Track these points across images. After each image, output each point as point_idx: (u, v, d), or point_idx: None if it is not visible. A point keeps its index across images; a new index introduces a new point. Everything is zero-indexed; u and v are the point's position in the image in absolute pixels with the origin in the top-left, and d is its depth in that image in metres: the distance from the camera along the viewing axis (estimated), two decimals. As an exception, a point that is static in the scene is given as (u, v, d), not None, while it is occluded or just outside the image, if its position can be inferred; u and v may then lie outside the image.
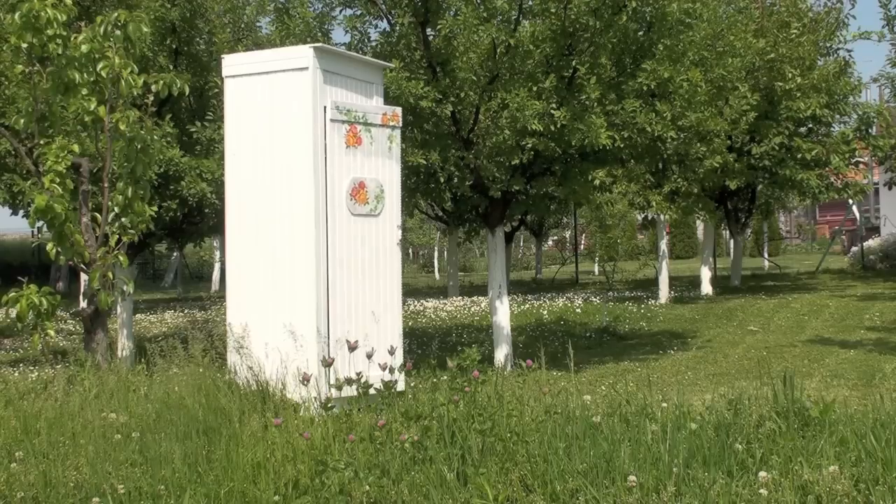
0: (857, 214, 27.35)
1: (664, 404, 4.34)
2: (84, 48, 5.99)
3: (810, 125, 16.41)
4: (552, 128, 8.21)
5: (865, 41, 21.77)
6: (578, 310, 14.82)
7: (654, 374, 8.15)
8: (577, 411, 4.31)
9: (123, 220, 6.30)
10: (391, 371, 4.90)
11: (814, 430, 3.85)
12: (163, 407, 4.80)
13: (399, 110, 6.33)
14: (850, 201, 23.36)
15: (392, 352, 5.38)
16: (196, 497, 3.68)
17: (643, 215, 18.67)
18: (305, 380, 4.78)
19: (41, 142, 6.19)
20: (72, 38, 6.05)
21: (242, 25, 11.35)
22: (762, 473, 3.40)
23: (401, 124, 6.28)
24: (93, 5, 9.18)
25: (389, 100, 7.65)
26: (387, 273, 6.20)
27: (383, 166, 6.17)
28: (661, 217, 16.61)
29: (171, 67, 9.93)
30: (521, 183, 8.85)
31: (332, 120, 5.87)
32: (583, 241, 26.29)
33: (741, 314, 13.71)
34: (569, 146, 8.51)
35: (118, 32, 6.13)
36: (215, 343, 6.04)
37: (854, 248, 23.36)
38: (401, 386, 4.99)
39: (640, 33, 8.66)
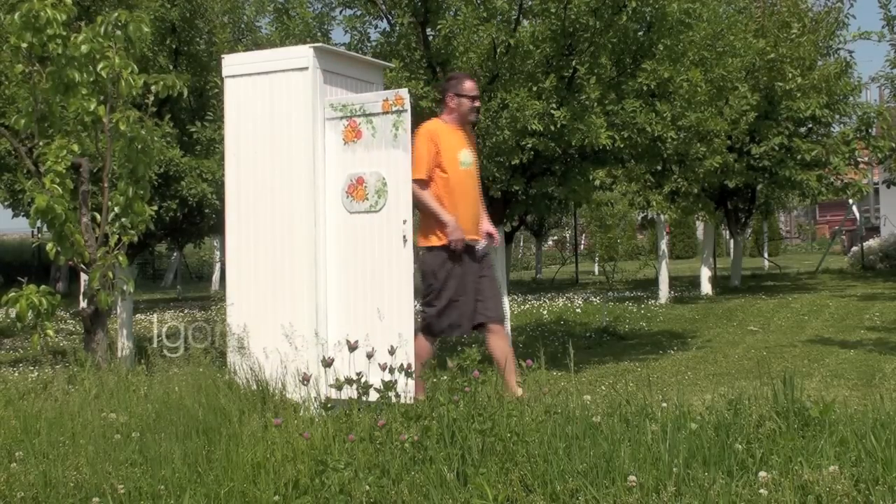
0: (857, 214, 27.37)
1: (664, 404, 4.33)
2: (84, 48, 5.99)
3: (810, 125, 16.42)
4: (552, 128, 8.21)
5: (865, 41, 21.77)
6: (578, 310, 14.83)
7: (654, 374, 8.16)
8: (577, 411, 4.30)
9: (123, 220, 6.30)
10: (391, 372, 4.86)
11: (814, 430, 3.85)
12: (163, 407, 4.80)
13: (403, 92, 5.78)
14: (850, 201, 23.38)
15: (392, 351, 5.28)
16: (196, 497, 3.68)
17: (643, 215, 18.70)
18: (305, 380, 4.78)
19: (41, 142, 6.19)
20: (72, 38, 6.05)
21: (242, 25, 11.37)
22: (762, 473, 3.40)
23: (408, 107, 5.69)
24: (93, 5, 9.19)
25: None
26: (392, 271, 5.76)
27: (386, 157, 5.73)
28: (661, 217, 16.63)
29: (171, 67, 9.95)
30: (521, 183, 8.86)
31: (327, 118, 5.86)
32: (583, 241, 26.30)
33: (741, 314, 13.71)
34: (569, 146, 8.52)
35: (118, 32, 6.13)
36: (215, 343, 6.04)
37: (854, 248, 23.37)
38: (410, 393, 4.90)
39: (640, 33, 8.67)
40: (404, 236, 5.67)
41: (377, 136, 5.78)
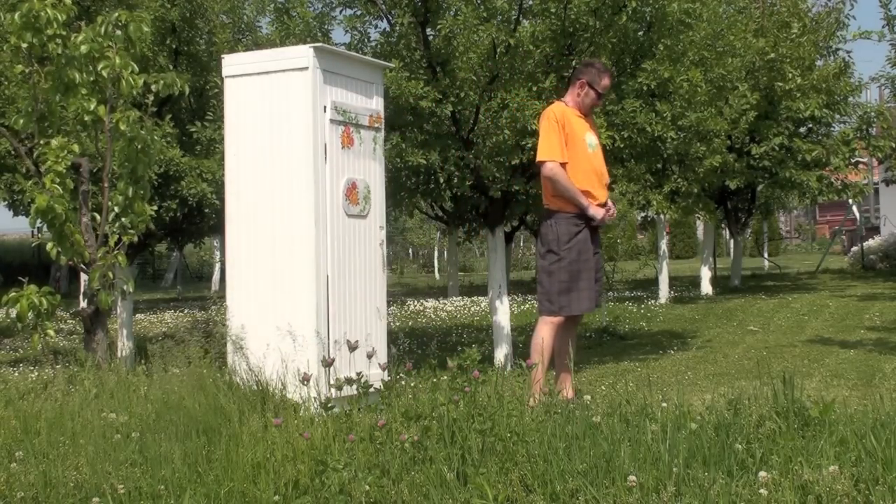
0: (857, 214, 27.36)
1: (664, 404, 4.34)
2: (84, 48, 5.99)
3: (810, 125, 16.42)
4: (552, 128, 8.20)
5: (865, 41, 21.79)
6: (578, 310, 14.77)
7: (654, 374, 8.15)
8: (577, 411, 4.31)
9: (123, 220, 6.30)
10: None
11: (814, 430, 3.85)
12: (162, 407, 4.80)
13: (381, 112, 6.38)
14: (850, 201, 23.40)
15: (371, 355, 5.53)
16: (196, 497, 3.68)
17: (643, 215, 18.69)
18: (305, 380, 4.78)
19: (41, 142, 6.19)
20: (71, 38, 6.05)
21: (242, 25, 11.35)
22: (762, 473, 3.40)
23: (382, 127, 6.37)
24: (93, 5, 9.18)
25: (389, 100, 7.65)
26: (374, 275, 6.24)
27: (369, 167, 6.24)
28: (661, 217, 16.62)
29: (171, 67, 9.93)
30: (522, 183, 8.85)
31: (331, 120, 5.89)
32: (583, 241, 26.22)
33: (741, 314, 13.71)
34: (569, 146, 8.50)
35: (118, 32, 6.14)
36: (216, 343, 6.05)
37: (854, 248, 23.37)
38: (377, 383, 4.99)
39: (640, 33, 8.66)
40: (382, 241, 6.27)
41: (363, 146, 6.18)
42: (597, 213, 5.72)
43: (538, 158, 5.81)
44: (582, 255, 5.77)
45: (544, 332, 5.71)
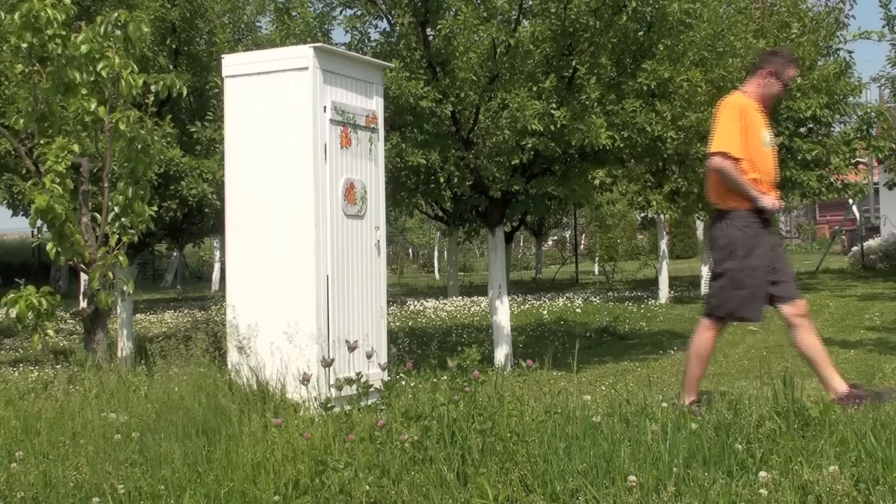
0: (857, 214, 27.35)
1: (664, 404, 4.34)
2: (84, 48, 5.99)
3: (810, 125, 16.42)
4: (552, 128, 8.21)
5: (865, 41, 21.79)
6: (578, 310, 14.82)
7: (654, 374, 8.15)
8: (577, 411, 4.30)
9: (123, 220, 6.30)
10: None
11: (814, 430, 3.85)
12: (163, 407, 4.80)
13: (380, 112, 6.36)
14: (851, 201, 23.39)
15: (371, 355, 5.63)
16: (196, 497, 3.68)
17: (643, 215, 18.68)
18: (305, 380, 4.78)
19: (41, 142, 6.19)
20: (71, 38, 6.05)
21: (242, 25, 11.35)
22: (762, 473, 3.40)
23: (378, 127, 6.33)
24: (93, 5, 9.18)
25: (389, 100, 7.65)
26: (371, 276, 6.23)
27: (366, 168, 6.23)
28: (661, 217, 16.62)
29: (171, 67, 9.93)
30: (521, 183, 8.86)
31: (331, 121, 5.89)
32: (583, 241, 26.29)
33: (741, 314, 13.67)
34: (569, 146, 8.51)
35: (118, 32, 6.13)
36: (216, 343, 6.05)
37: (854, 248, 23.38)
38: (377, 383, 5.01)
39: (641, 33, 8.66)
40: (378, 241, 6.26)
41: (360, 146, 6.16)
42: (769, 202, 5.32)
43: (711, 149, 5.35)
44: (763, 256, 5.42)
45: (706, 336, 5.37)
